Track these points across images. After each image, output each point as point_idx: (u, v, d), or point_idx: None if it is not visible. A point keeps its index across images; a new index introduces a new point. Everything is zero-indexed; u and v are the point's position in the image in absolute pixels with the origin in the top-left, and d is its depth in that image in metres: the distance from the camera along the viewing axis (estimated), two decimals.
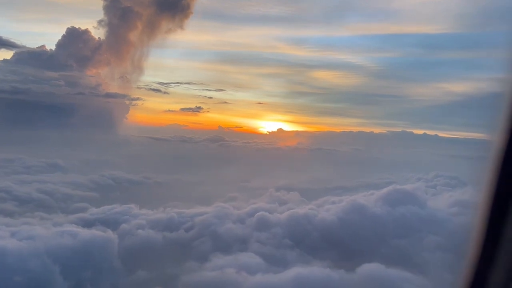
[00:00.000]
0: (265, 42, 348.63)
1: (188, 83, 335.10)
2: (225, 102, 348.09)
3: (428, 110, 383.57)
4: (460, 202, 63.62)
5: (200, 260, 41.42)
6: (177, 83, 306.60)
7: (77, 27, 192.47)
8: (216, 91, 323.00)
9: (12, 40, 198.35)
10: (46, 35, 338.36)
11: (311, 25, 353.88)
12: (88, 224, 50.33)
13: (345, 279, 36.95)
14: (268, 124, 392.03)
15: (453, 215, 58.01)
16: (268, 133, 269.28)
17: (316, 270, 37.86)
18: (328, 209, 58.93)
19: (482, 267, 2.80)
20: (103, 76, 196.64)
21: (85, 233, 42.62)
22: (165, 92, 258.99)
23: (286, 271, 37.67)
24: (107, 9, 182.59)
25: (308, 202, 69.04)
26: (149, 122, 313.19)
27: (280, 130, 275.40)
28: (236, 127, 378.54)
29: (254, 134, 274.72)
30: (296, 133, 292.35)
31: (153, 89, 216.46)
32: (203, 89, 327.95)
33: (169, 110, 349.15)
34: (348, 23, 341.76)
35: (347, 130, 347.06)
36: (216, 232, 49.74)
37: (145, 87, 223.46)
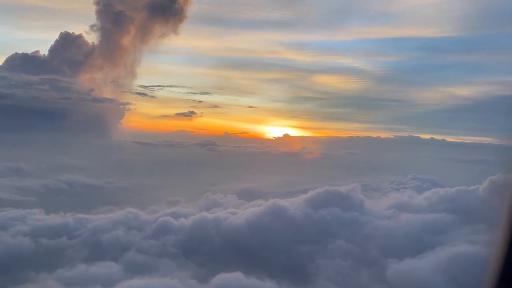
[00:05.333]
0: (265, 47, 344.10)
1: (170, 86, 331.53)
2: (216, 106, 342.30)
3: (434, 114, 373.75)
4: (400, 204, 58.27)
5: (51, 271, 37.15)
6: (159, 86, 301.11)
7: (71, 32, 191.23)
8: (202, 94, 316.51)
9: None
10: (49, 41, 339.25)
11: (311, 29, 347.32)
12: None
13: None
14: (275, 129, 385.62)
15: (380, 218, 52.73)
16: (274, 139, 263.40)
17: (158, 282, 33.30)
18: (244, 213, 54.17)
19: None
20: (96, 81, 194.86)
21: None
22: (151, 96, 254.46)
23: (125, 282, 33.10)
24: (100, 13, 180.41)
25: (240, 205, 64.56)
26: (149, 128, 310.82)
27: (286, 135, 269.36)
28: (242, 132, 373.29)
29: (259, 140, 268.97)
30: (302, 138, 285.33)
31: (139, 93, 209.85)
32: (188, 93, 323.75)
33: (164, 115, 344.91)
34: (349, 27, 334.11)
35: (354, 135, 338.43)
36: (99, 239, 45.60)
37: (130, 91, 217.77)
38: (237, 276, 34.10)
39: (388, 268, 39.38)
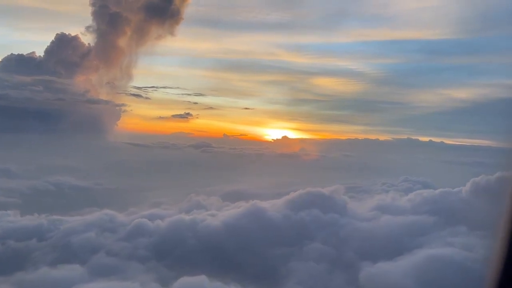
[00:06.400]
0: (264, 49, 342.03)
1: (164, 87, 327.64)
2: (211, 107, 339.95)
3: (433, 117, 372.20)
4: (383, 206, 57.07)
5: (11, 274, 36.02)
6: (153, 87, 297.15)
7: (67, 33, 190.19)
8: (196, 95, 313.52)
9: None
10: (47, 43, 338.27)
11: (309, 32, 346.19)
12: None
13: None
14: (274, 132, 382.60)
15: (361, 220, 51.49)
16: (272, 141, 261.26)
17: (117, 285, 32.16)
18: (222, 215, 53.04)
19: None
20: (92, 82, 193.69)
21: None
22: (146, 98, 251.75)
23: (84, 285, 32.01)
24: (96, 15, 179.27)
25: (222, 207, 63.44)
26: (147, 130, 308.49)
27: (284, 137, 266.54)
28: (241, 134, 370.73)
29: (258, 142, 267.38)
30: (301, 140, 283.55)
31: (134, 94, 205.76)
32: (183, 94, 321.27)
33: (160, 117, 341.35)
34: (347, 29, 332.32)
35: (353, 138, 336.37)
36: (70, 241, 44.41)
37: (125, 92, 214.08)
38: (200, 279, 32.98)
39: (361, 270, 38.19)
